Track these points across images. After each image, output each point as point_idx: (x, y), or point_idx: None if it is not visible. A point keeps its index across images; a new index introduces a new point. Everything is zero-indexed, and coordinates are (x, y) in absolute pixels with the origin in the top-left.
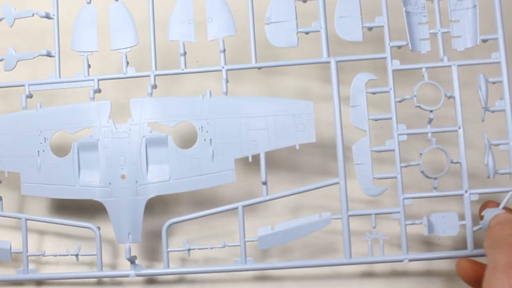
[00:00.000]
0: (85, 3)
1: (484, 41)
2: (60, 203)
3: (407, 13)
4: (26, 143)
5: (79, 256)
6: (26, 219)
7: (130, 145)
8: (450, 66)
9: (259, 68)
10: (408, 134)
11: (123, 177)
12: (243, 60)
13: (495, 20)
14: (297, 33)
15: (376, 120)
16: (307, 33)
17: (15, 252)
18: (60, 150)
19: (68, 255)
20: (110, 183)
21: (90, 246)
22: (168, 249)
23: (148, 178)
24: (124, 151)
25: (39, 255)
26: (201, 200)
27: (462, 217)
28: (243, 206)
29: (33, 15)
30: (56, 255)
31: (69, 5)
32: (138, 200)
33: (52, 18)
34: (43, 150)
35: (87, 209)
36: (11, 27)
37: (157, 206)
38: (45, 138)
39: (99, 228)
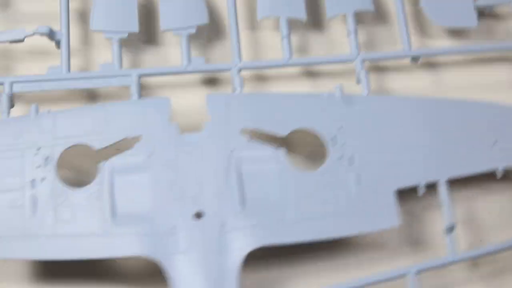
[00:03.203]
0: None
1: None
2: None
3: None
4: (6, 168)
5: None
6: None
7: (210, 164)
8: None
9: (416, 59)
10: None
11: (198, 215)
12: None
13: None
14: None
15: None
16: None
17: None
18: (73, 178)
19: None
20: (174, 227)
21: None
22: None
23: (244, 217)
24: (200, 174)
25: None
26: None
27: None
28: (417, 272)
29: None
30: None
31: None
32: (228, 256)
33: None
34: (43, 179)
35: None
36: None
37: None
38: (47, 158)
39: None
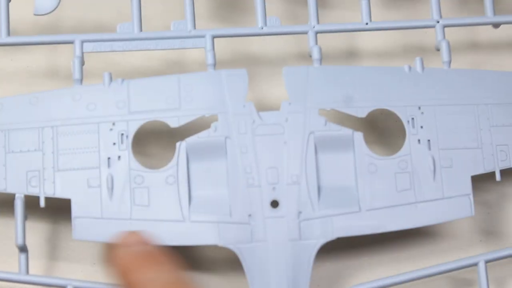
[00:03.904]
0: None
1: None
2: None
3: None
4: (81, 144)
5: None
6: None
7: (288, 148)
8: None
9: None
10: None
11: (274, 204)
12: None
13: None
14: None
15: None
16: None
17: None
18: (149, 157)
19: None
20: (250, 215)
21: None
22: None
23: (321, 207)
24: (277, 158)
25: None
26: None
27: None
28: (486, 262)
29: None
30: None
31: None
32: (303, 246)
33: None
34: (119, 157)
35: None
36: None
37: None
38: (122, 134)
39: None
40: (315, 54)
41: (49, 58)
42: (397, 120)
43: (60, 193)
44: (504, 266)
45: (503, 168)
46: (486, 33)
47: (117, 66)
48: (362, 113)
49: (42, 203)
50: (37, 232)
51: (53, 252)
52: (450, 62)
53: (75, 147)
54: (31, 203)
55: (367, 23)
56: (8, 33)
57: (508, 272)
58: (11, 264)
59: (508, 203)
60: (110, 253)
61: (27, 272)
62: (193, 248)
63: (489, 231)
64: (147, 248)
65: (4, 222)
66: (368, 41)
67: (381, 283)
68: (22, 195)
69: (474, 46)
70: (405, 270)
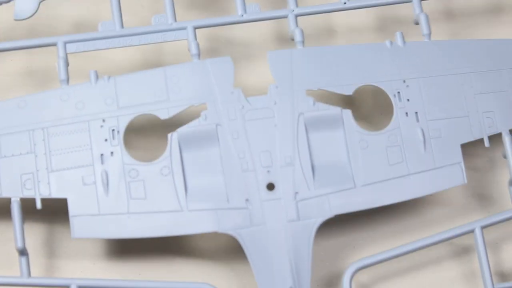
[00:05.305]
0: None
1: None
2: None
3: None
4: (73, 143)
5: None
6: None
7: (279, 130)
8: None
9: None
10: None
11: (270, 187)
12: None
13: None
14: None
15: None
16: None
17: None
18: (141, 151)
19: None
20: (247, 199)
21: None
22: None
23: (316, 186)
24: (269, 142)
25: None
26: None
27: None
28: (482, 227)
29: None
30: None
31: None
32: (302, 226)
33: None
34: (112, 153)
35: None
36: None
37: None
38: (113, 130)
39: None
40: (298, 37)
41: (27, 60)
42: (377, 95)
43: (56, 193)
44: (499, 229)
45: (491, 134)
46: (460, 2)
47: (94, 59)
48: (349, 91)
49: (39, 205)
50: (34, 234)
51: (52, 253)
52: (430, 34)
53: (67, 147)
54: (26, 206)
55: (345, 3)
56: None
57: (503, 234)
58: (11, 268)
59: (497, 167)
60: None
61: (29, 274)
62: (193, 238)
63: (481, 194)
64: None
65: (1, 227)
66: (343, 17)
67: (383, 256)
68: (18, 199)
69: (448, 15)
70: (404, 241)
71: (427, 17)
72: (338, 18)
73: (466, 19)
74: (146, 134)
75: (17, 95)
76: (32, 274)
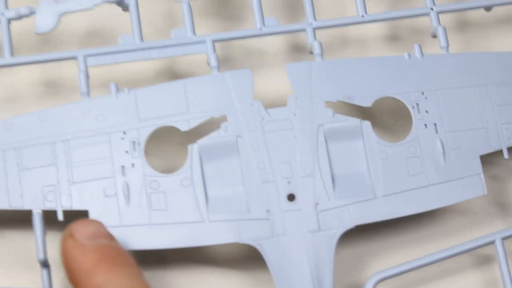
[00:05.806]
0: None
1: None
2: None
3: None
4: (94, 155)
5: None
6: None
7: (299, 142)
8: None
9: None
10: None
11: (291, 198)
12: None
13: None
14: None
15: None
16: None
17: None
18: (156, 158)
19: None
20: (268, 210)
21: None
22: None
23: (336, 197)
24: (289, 153)
25: None
26: None
27: None
28: (503, 239)
29: None
30: None
31: None
32: (323, 237)
33: None
34: (133, 165)
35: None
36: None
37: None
38: (134, 142)
39: None
40: (316, 50)
41: (43, 71)
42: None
43: (77, 205)
44: None
45: (510, 145)
46: (474, 12)
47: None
48: (368, 103)
49: (61, 217)
50: (54, 245)
51: None
52: (447, 47)
53: (88, 159)
54: (47, 218)
55: (363, 16)
56: (12, 53)
57: None
58: (31, 280)
59: None
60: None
61: (51, 286)
62: (214, 247)
63: (501, 203)
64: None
65: (21, 238)
66: (356, 26)
67: (405, 267)
68: (40, 211)
69: (463, 28)
70: (425, 249)
71: (444, 30)
72: (351, 27)
73: (481, 29)
74: (162, 141)
75: (32, 106)
76: (53, 287)
